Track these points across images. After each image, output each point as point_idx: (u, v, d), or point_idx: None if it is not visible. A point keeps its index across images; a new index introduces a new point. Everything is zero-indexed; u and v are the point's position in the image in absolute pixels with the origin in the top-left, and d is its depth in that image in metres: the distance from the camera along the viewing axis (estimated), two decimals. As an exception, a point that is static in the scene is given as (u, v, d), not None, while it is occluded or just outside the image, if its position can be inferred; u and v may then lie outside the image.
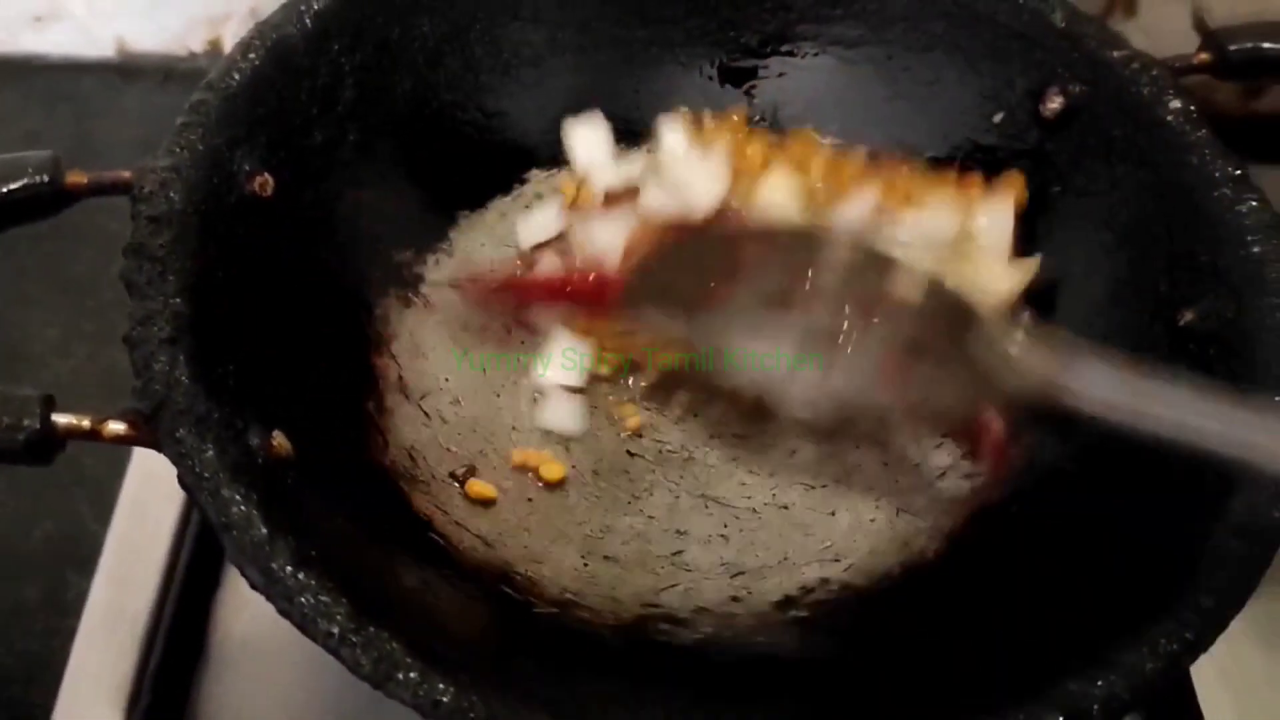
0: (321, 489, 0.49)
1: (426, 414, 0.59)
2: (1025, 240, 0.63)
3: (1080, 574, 0.49)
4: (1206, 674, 0.60)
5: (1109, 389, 0.47)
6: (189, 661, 0.62)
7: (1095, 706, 0.41)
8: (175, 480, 0.64)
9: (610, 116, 0.67)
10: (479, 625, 0.50)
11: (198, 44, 0.93)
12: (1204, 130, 0.57)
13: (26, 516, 0.69)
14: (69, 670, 0.60)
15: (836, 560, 0.56)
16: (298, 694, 0.61)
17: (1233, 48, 0.62)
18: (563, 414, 0.60)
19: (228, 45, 0.93)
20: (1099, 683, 0.41)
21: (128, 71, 0.93)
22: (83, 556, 0.65)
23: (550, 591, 0.53)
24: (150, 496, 0.66)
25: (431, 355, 0.61)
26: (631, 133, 0.68)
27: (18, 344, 0.75)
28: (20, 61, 0.92)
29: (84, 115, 0.90)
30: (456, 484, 0.57)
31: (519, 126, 0.66)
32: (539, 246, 0.65)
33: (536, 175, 0.67)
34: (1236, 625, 0.45)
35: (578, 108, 0.67)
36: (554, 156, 0.67)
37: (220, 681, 0.62)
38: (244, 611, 0.64)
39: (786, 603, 0.54)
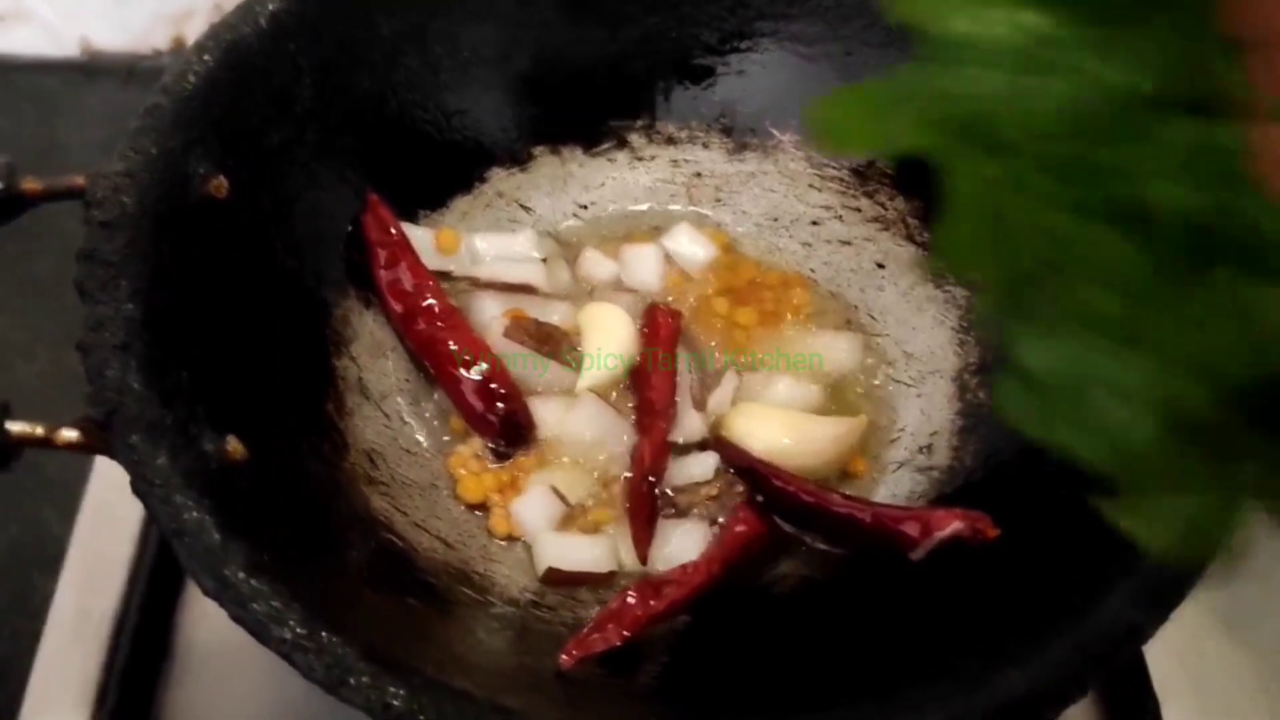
0: (277, 492, 0.49)
1: (387, 415, 0.59)
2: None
3: (1027, 565, 0.50)
4: (1162, 659, 0.60)
5: None
6: (154, 662, 0.62)
7: (1037, 695, 0.41)
8: (137, 484, 0.66)
9: (571, 116, 0.67)
10: (434, 626, 0.50)
11: (162, 42, 0.93)
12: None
13: (-9, 521, 0.69)
14: (35, 672, 0.60)
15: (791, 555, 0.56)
16: (263, 694, 0.61)
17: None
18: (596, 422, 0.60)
19: (191, 42, 0.93)
20: (1041, 671, 0.42)
21: (92, 70, 0.92)
22: (47, 559, 0.65)
23: (509, 591, 0.53)
24: (114, 499, 0.65)
25: (392, 355, 0.61)
26: (594, 132, 0.68)
27: (-19, 346, 0.74)
28: (-15, 62, 0.91)
29: (49, 114, 0.89)
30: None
31: (479, 125, 0.66)
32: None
33: (497, 174, 0.67)
34: (1192, 610, 0.45)
35: (537, 107, 0.67)
36: (514, 155, 0.67)
37: (186, 682, 0.61)
38: (209, 613, 0.62)
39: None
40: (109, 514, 0.65)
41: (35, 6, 0.94)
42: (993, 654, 0.43)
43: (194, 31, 0.92)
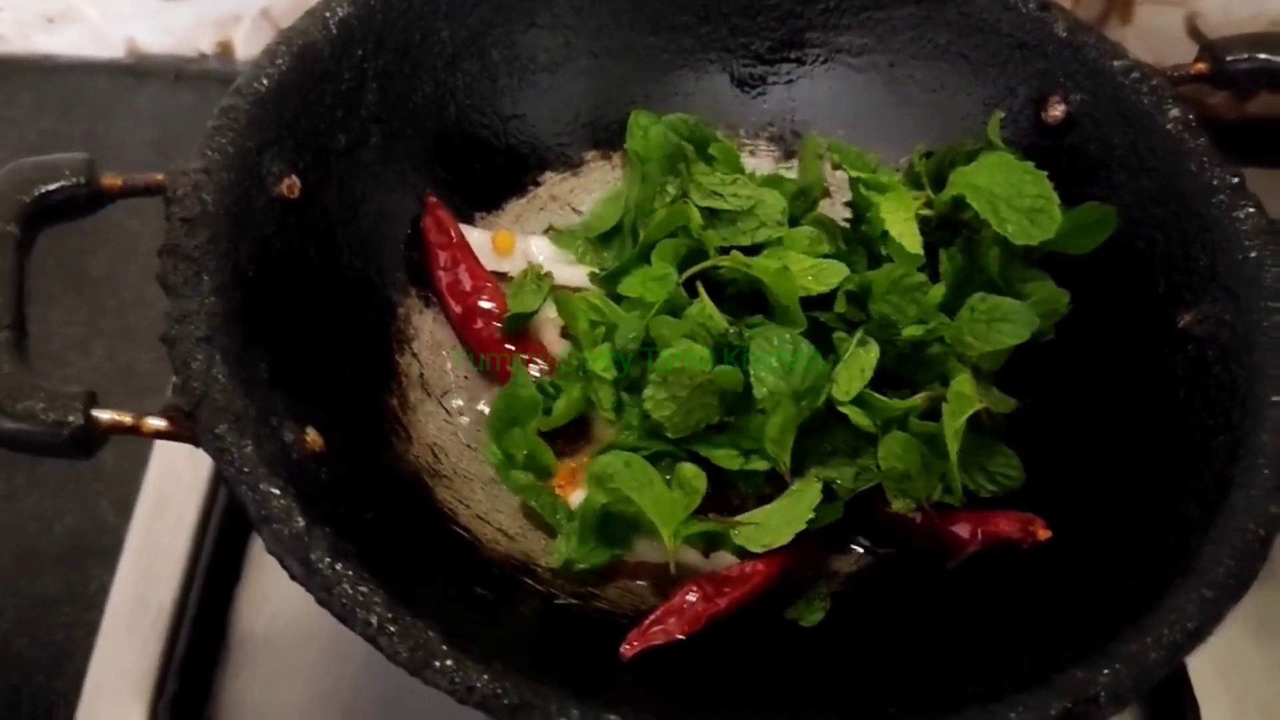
0: (351, 484, 0.51)
1: (447, 411, 0.60)
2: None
3: (1086, 566, 0.51)
4: (1202, 665, 0.62)
5: None
6: (212, 653, 0.63)
7: (1101, 694, 0.43)
8: (196, 475, 0.67)
9: (622, 122, 0.68)
10: (505, 615, 0.51)
11: (208, 45, 0.94)
12: (1202, 139, 0.59)
13: (48, 511, 0.70)
14: (93, 662, 0.61)
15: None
16: (318, 684, 0.62)
17: (1230, 59, 0.63)
18: None
19: (239, 47, 0.94)
20: (1104, 671, 0.43)
21: (139, 72, 0.94)
22: (104, 550, 0.67)
23: (572, 583, 0.55)
24: (171, 491, 0.67)
25: (451, 353, 0.62)
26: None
27: (39, 341, 0.73)
28: (34, 62, 0.93)
29: (97, 115, 0.91)
30: None
31: (534, 130, 0.68)
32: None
33: (550, 178, 0.69)
34: (1232, 617, 0.46)
35: (591, 112, 0.69)
36: (567, 159, 0.69)
37: (242, 672, 0.63)
38: (265, 604, 0.65)
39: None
40: (166, 505, 0.66)
41: (83, 8, 0.95)
42: (1052, 654, 0.44)
43: (241, 37, 0.93)
